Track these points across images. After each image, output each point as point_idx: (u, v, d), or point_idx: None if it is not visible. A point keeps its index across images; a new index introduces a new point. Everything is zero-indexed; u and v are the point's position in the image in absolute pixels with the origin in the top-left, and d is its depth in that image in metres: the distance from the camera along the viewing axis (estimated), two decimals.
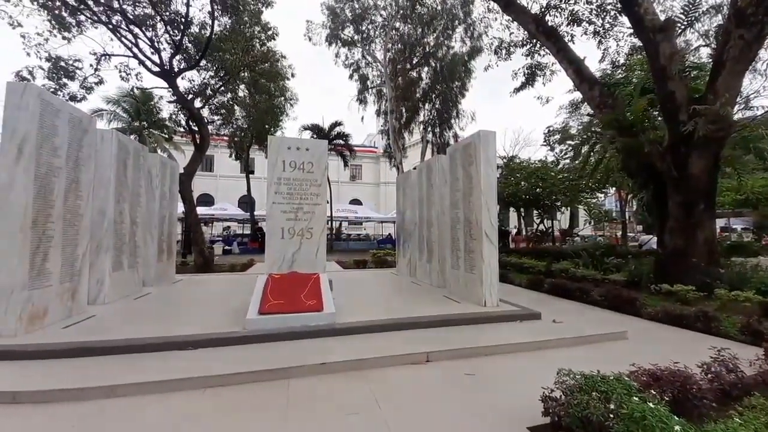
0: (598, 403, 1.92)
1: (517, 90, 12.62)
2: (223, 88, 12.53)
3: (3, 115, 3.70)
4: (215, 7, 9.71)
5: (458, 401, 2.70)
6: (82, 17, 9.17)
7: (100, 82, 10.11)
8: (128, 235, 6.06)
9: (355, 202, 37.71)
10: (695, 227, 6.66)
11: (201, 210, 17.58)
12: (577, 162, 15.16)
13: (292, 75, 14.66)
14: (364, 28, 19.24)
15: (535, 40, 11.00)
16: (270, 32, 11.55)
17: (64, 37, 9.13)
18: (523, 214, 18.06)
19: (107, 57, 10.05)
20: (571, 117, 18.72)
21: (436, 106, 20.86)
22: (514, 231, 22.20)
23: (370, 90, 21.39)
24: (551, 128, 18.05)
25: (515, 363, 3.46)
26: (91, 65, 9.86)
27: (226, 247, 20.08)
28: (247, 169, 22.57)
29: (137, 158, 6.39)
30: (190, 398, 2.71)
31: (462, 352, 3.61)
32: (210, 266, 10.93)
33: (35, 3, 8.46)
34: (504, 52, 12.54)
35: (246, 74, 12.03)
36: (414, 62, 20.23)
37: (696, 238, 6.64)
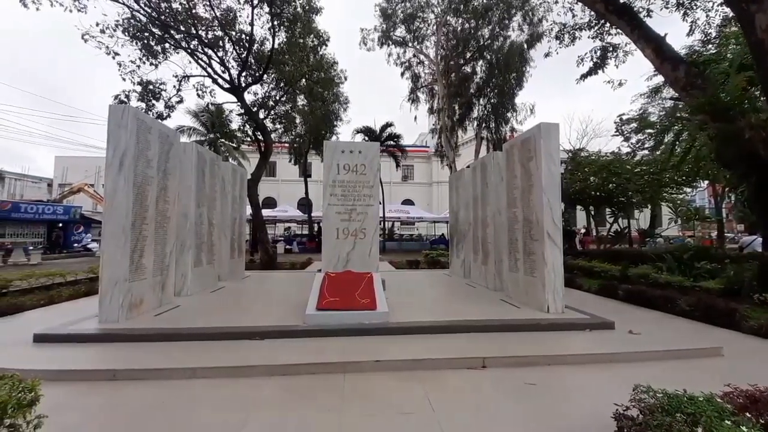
0: (684, 426, 1.68)
1: (584, 76, 11.51)
2: (283, 98, 13.43)
3: (107, 133, 4.39)
4: (275, 22, 10.45)
5: (518, 411, 2.56)
6: (167, 45, 10.50)
7: (181, 101, 11.48)
8: (206, 235, 6.79)
9: (407, 202, 37.74)
10: None
11: (264, 212, 19.02)
12: (658, 153, 13.42)
13: (345, 78, 15.17)
14: (415, 26, 19.15)
15: (603, 20, 9.96)
16: (321, 39, 12.10)
17: (151, 63, 10.56)
18: (593, 212, 16.44)
19: (186, 78, 11.38)
20: (650, 103, 16.62)
21: (491, 100, 19.95)
22: (583, 231, 20.36)
23: (421, 88, 21.22)
24: (624, 116, 16.26)
25: (583, 375, 3.17)
26: (174, 86, 11.26)
27: (287, 246, 21.47)
28: (305, 172, 23.88)
29: (213, 167, 7.13)
30: (257, 384, 2.95)
31: (522, 360, 3.41)
32: (274, 264, 11.79)
33: (126, 34, 9.90)
34: (567, 36, 11.53)
35: (303, 83, 12.74)
36: (467, 57, 19.60)
37: None
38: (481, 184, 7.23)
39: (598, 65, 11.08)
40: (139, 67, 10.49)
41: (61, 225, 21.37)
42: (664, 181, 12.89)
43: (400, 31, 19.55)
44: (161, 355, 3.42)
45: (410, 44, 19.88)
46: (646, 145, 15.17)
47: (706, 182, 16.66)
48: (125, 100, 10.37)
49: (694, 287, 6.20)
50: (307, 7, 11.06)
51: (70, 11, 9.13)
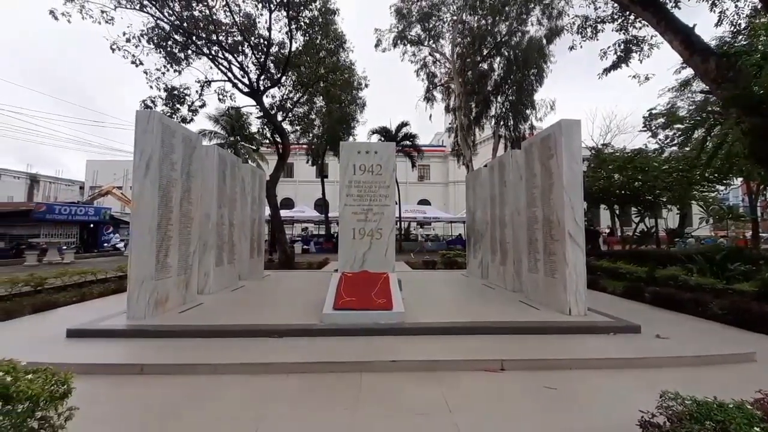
0: None
1: (607, 71, 11.13)
2: (301, 100, 13.63)
3: (134, 137, 4.58)
4: (292, 26, 10.63)
5: (537, 415, 2.50)
6: (189, 51, 10.87)
7: (203, 105, 11.86)
8: (227, 236, 6.97)
9: (424, 202, 37.55)
10: None
11: (282, 213, 19.34)
12: (687, 149, 12.81)
13: (366, 85, 15.24)
14: (431, 25, 19.01)
15: (628, 12, 9.59)
16: (338, 42, 12.20)
17: (175, 70, 10.96)
18: (617, 212, 15.83)
19: (208, 83, 11.75)
20: (678, 96, 15.87)
21: (510, 97, 19.58)
22: (607, 231, 19.68)
23: (437, 87, 21.05)
24: (652, 111, 15.62)
25: (606, 380, 3.07)
26: (196, 91, 11.65)
27: (305, 246, 21.78)
28: (322, 173, 24.15)
29: (233, 169, 7.32)
30: (275, 381, 3.01)
31: (542, 363, 3.33)
32: (291, 263, 11.98)
33: (151, 43, 10.31)
34: (590, 30, 11.16)
35: (321, 84, 12.88)
36: (484, 54, 19.30)
37: None
38: (499, 183, 7.12)
39: (622, 59, 10.68)
40: (163, 74, 10.91)
41: (92, 225, 22.44)
42: (695, 178, 12.28)
43: (416, 31, 19.44)
44: (185, 350, 3.55)
45: (425, 43, 19.75)
46: (675, 142, 14.50)
47: (740, 179, 15.75)
48: (151, 105, 10.80)
49: (727, 290, 5.89)
50: (323, 9, 11.19)
51: (99, 23, 9.57)
